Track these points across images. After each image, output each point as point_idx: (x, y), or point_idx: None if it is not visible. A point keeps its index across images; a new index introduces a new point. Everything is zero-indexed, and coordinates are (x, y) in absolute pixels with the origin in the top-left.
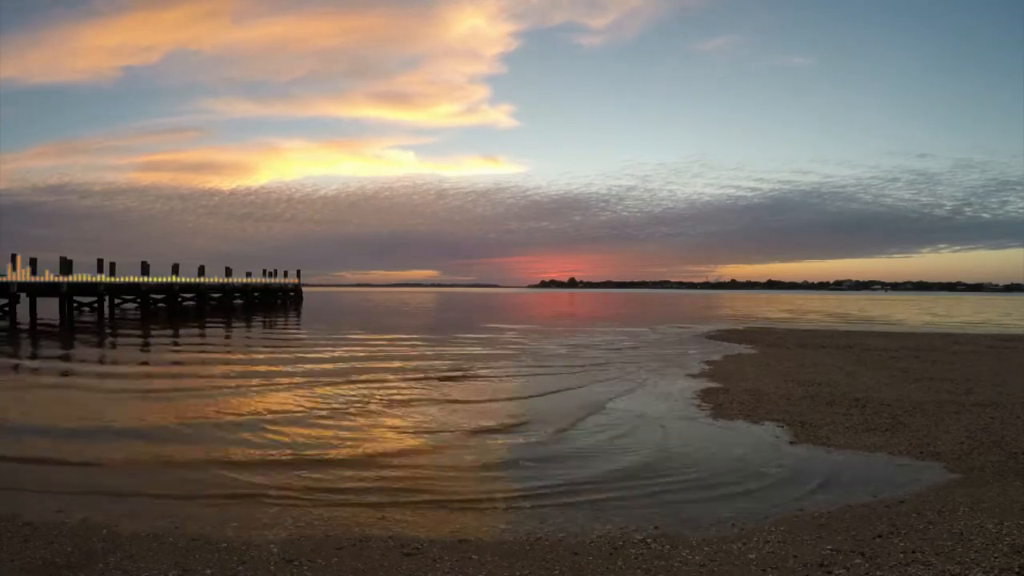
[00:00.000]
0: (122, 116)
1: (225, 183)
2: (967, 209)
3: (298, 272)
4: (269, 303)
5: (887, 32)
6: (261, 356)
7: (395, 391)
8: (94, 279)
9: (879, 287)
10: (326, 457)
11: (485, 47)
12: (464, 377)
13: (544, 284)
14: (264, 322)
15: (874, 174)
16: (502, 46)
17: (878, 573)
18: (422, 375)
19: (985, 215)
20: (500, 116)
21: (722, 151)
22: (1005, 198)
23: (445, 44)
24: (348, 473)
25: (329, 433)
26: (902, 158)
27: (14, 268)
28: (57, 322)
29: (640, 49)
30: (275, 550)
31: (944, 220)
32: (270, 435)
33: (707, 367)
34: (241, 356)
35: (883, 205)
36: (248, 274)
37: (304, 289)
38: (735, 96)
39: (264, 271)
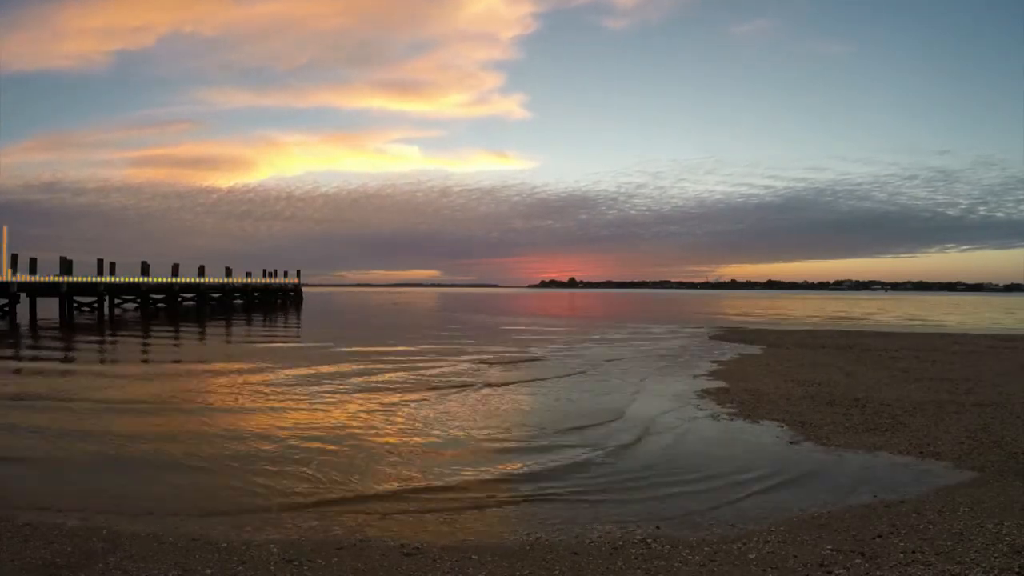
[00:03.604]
0: (113, 106)
1: (223, 180)
2: (981, 208)
3: (298, 272)
4: (269, 303)
5: (913, 26)
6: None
7: None
8: (94, 279)
9: (879, 287)
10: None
11: (501, 29)
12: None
13: (544, 284)
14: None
15: (892, 171)
16: (520, 28)
17: (878, 573)
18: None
19: (999, 214)
20: (512, 107)
21: (737, 147)
22: (1022, 196)
23: (457, 26)
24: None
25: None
26: (922, 155)
27: (14, 268)
28: (57, 322)
29: (667, 32)
30: (275, 550)
31: (955, 220)
32: (282, 437)
33: (709, 367)
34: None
35: (896, 204)
36: (248, 274)
37: (304, 289)
38: (757, 88)
39: (264, 271)
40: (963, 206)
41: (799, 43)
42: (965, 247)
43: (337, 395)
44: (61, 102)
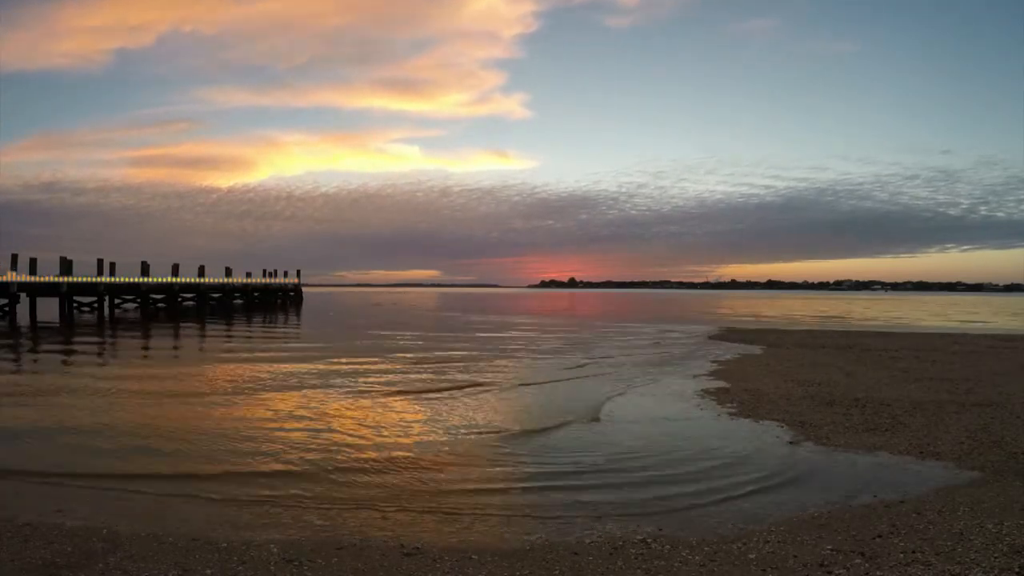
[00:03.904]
0: (113, 106)
1: (223, 180)
2: (982, 208)
3: (298, 272)
4: (269, 303)
5: (915, 26)
6: None
7: None
8: (94, 279)
9: (879, 287)
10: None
11: (503, 27)
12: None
13: (544, 284)
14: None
15: (894, 171)
16: (522, 26)
17: (878, 573)
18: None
19: (1000, 214)
20: (513, 106)
21: (741, 146)
22: (1023, 196)
23: (458, 24)
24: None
25: None
26: (924, 155)
27: (14, 268)
28: (57, 322)
29: (669, 31)
30: (275, 550)
31: (956, 219)
32: (275, 435)
33: (709, 367)
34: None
35: (897, 204)
36: (248, 274)
37: (304, 289)
38: (762, 87)
39: (264, 271)
40: (964, 206)
41: (801, 42)
42: (966, 247)
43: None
44: (60, 101)
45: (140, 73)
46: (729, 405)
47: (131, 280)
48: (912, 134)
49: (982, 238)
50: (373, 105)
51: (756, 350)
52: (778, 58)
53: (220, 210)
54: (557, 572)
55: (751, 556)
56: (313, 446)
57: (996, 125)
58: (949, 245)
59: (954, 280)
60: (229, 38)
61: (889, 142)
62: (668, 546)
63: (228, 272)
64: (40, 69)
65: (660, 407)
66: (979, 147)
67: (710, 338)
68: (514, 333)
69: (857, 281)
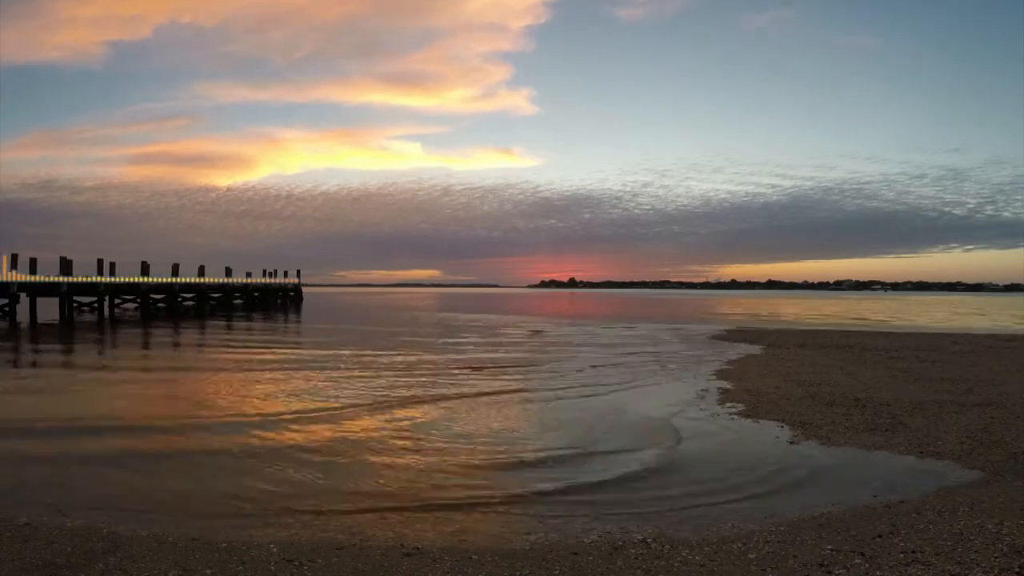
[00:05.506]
0: (109, 101)
1: (222, 178)
2: (988, 207)
3: (298, 272)
4: (269, 303)
5: (925, 24)
6: None
7: None
8: (94, 279)
9: (879, 287)
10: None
11: (510, 19)
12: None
13: (544, 284)
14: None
15: (902, 170)
16: (531, 18)
17: (878, 573)
18: None
19: (1006, 213)
20: (520, 101)
21: (748, 144)
22: None
23: (464, 16)
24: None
25: None
26: (932, 153)
27: (14, 268)
28: (57, 322)
29: (683, 23)
30: (275, 550)
31: (961, 219)
32: (281, 435)
33: (710, 367)
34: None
35: (903, 203)
36: (248, 274)
37: (304, 289)
38: (771, 83)
39: (264, 271)
40: (970, 205)
41: (808, 40)
42: (969, 247)
43: None
44: (55, 96)
45: (136, 67)
46: (730, 405)
47: (131, 280)
48: (921, 132)
49: (988, 238)
50: (374, 100)
51: (756, 350)
52: (786, 56)
53: (220, 209)
54: (557, 572)
55: (751, 556)
56: (310, 444)
57: (1005, 123)
58: (953, 245)
59: (954, 280)
60: (227, 30)
61: (897, 140)
62: (668, 546)
63: (228, 272)
64: (33, 62)
65: (659, 408)
66: (988, 146)
67: (711, 338)
68: (508, 329)
69: (857, 281)
